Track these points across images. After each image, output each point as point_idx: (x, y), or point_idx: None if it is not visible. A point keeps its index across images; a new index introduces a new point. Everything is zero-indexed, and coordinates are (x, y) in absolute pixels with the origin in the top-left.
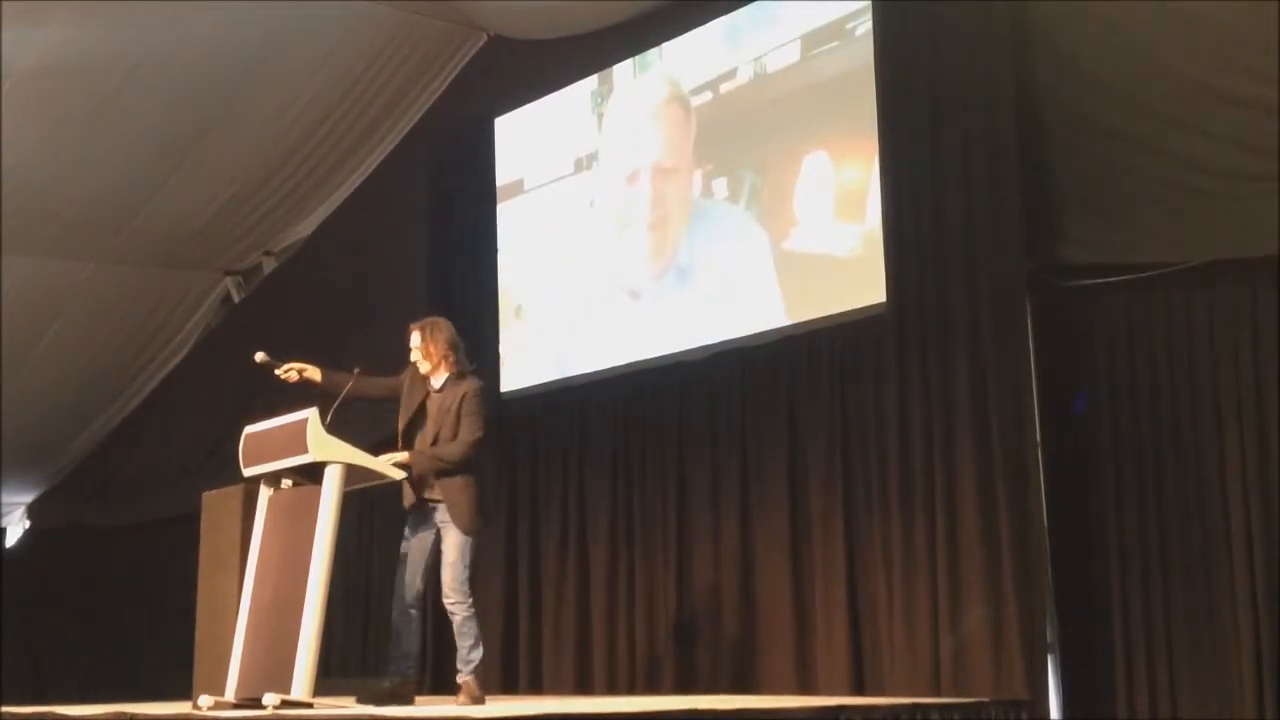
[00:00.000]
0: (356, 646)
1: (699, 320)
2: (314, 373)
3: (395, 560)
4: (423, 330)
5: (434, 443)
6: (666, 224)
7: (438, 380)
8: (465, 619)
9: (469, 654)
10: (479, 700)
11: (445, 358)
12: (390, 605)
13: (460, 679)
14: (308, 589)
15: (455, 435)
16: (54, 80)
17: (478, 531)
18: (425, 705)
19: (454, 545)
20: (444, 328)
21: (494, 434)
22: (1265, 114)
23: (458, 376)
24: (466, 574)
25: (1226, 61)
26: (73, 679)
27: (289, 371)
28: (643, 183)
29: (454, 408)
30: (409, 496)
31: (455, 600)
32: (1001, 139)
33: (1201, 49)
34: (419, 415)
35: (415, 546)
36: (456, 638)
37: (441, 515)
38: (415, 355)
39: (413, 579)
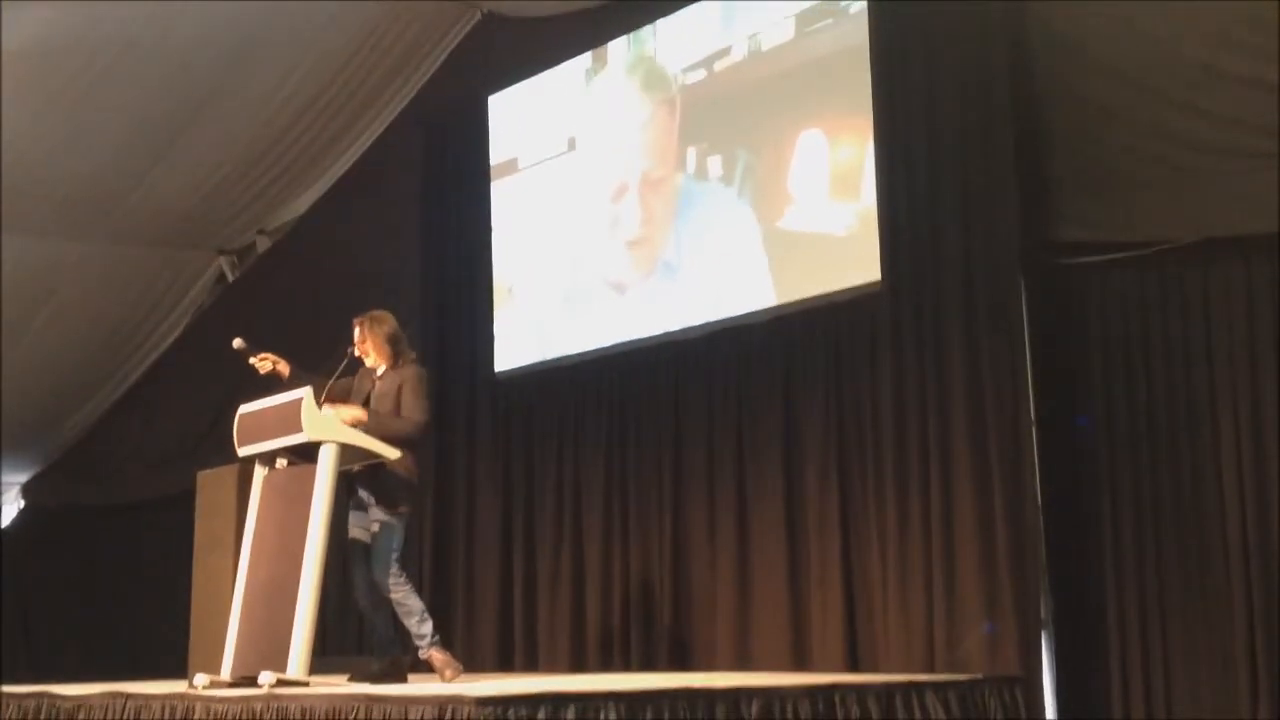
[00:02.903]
0: (352, 625)
1: (693, 300)
2: (284, 367)
3: None
4: (362, 324)
5: None
6: (653, 234)
7: (379, 370)
8: (403, 597)
9: (419, 629)
10: (457, 668)
11: (382, 350)
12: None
13: (424, 655)
14: (303, 568)
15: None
16: (47, 58)
17: (408, 514)
18: (419, 683)
19: (385, 528)
20: (384, 321)
21: (487, 415)
22: (1263, 91)
23: (398, 365)
24: (395, 554)
25: (1224, 39)
26: (69, 659)
27: (263, 361)
28: (630, 200)
29: (393, 391)
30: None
31: (389, 583)
32: (997, 116)
33: (1199, 26)
34: (364, 404)
35: (362, 536)
36: (402, 618)
37: (376, 500)
38: (360, 349)
39: (369, 569)
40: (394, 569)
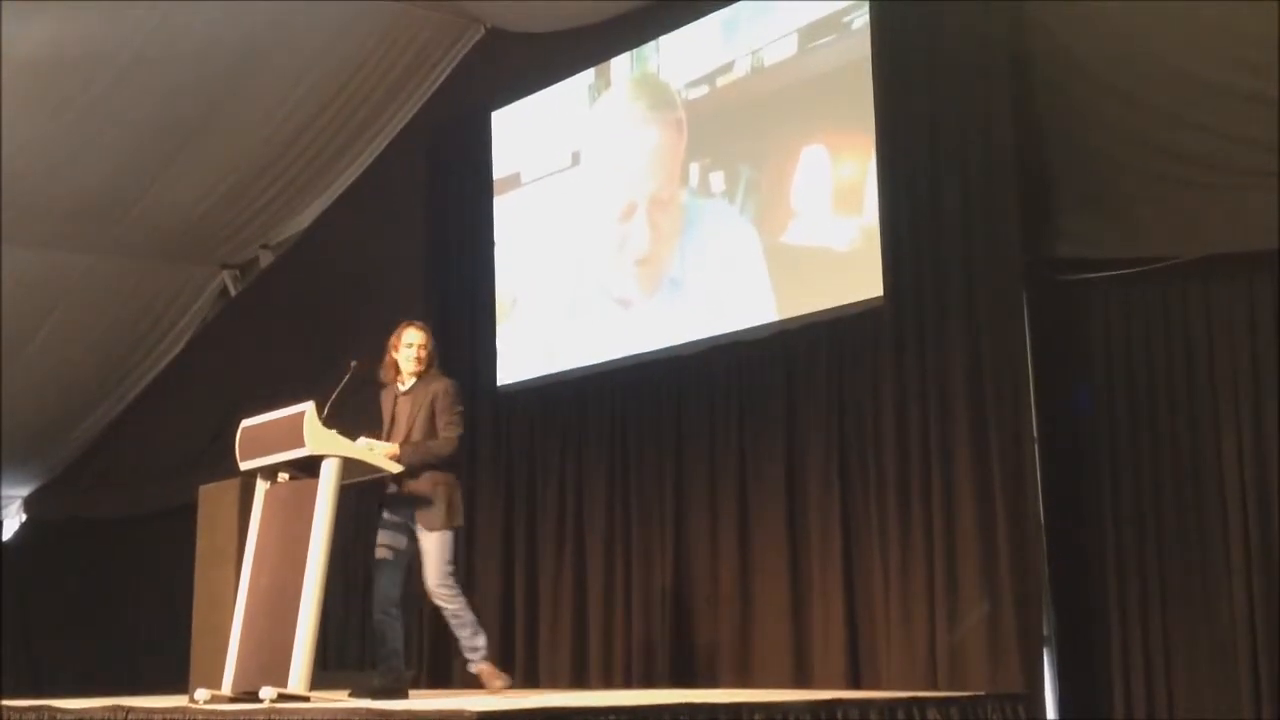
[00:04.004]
0: (353, 640)
1: (696, 316)
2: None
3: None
4: (425, 330)
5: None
6: (660, 251)
7: (406, 384)
8: (457, 610)
9: (472, 641)
10: (507, 681)
11: (429, 360)
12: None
13: (473, 669)
14: (304, 582)
15: (428, 433)
16: (50, 70)
17: (455, 528)
18: (420, 699)
19: (433, 542)
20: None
21: (489, 429)
22: (1263, 108)
23: (430, 376)
24: (449, 568)
25: (1224, 55)
26: (70, 672)
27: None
28: (639, 220)
29: (426, 406)
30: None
31: (443, 596)
32: (999, 133)
33: (1199, 43)
34: (391, 420)
35: (391, 550)
36: (454, 630)
37: (413, 517)
38: (416, 353)
39: (390, 583)
40: (451, 581)
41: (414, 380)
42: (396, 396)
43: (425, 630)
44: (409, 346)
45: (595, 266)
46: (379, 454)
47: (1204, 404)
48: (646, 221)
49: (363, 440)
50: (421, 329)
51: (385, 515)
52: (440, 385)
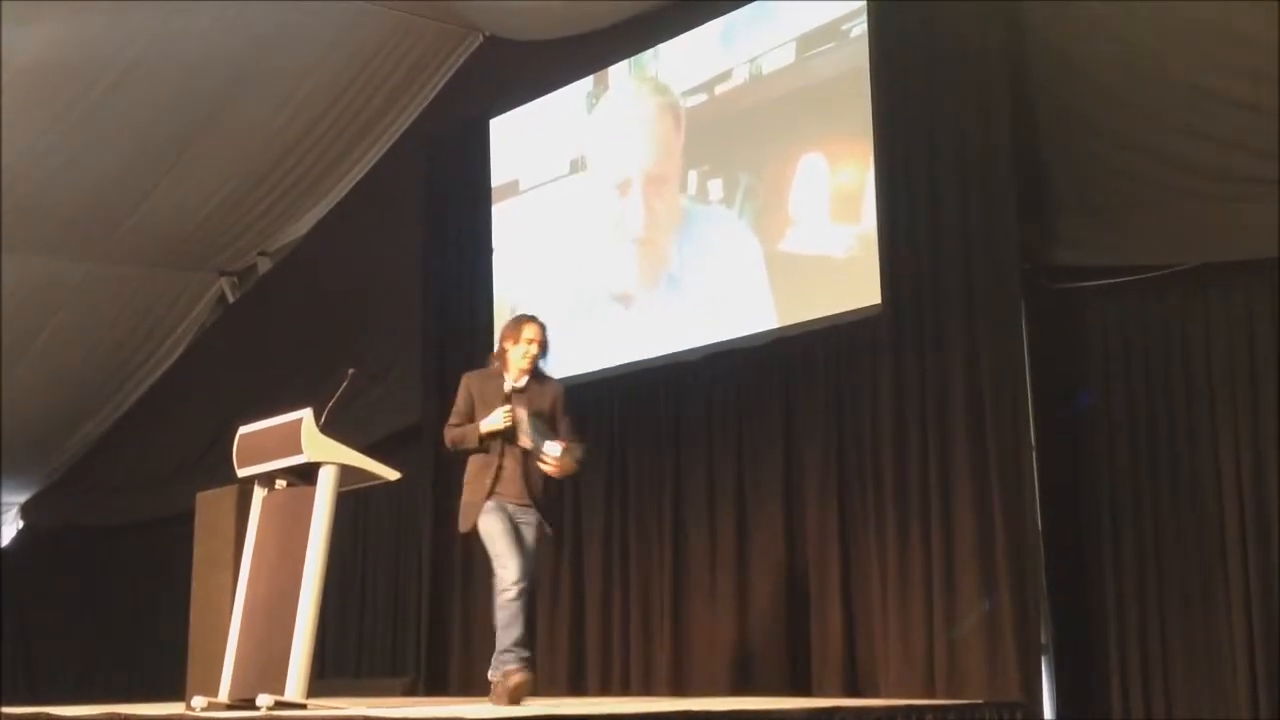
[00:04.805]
0: (350, 647)
1: (694, 323)
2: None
3: (387, 561)
4: (544, 327)
5: None
6: (656, 237)
7: (519, 381)
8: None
9: (507, 655)
10: (515, 697)
11: (539, 359)
12: (383, 604)
13: (492, 676)
14: (302, 590)
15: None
16: (50, 77)
17: (548, 537)
18: (417, 706)
19: (533, 545)
20: None
21: None
22: (1262, 117)
23: (539, 374)
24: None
25: (1223, 64)
26: (67, 679)
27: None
28: (634, 196)
29: (547, 407)
30: (521, 493)
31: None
32: (997, 140)
33: (1198, 51)
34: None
35: (517, 536)
36: (499, 638)
37: (536, 513)
38: (531, 349)
39: (527, 565)
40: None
41: (525, 378)
42: (509, 391)
43: (423, 635)
44: (530, 343)
45: (594, 266)
46: (570, 455)
47: (1202, 411)
48: (641, 199)
49: (551, 445)
50: (542, 325)
51: (494, 505)
52: (558, 387)
